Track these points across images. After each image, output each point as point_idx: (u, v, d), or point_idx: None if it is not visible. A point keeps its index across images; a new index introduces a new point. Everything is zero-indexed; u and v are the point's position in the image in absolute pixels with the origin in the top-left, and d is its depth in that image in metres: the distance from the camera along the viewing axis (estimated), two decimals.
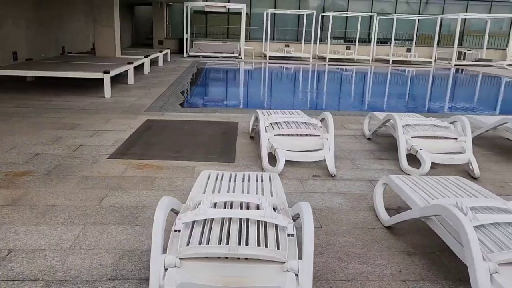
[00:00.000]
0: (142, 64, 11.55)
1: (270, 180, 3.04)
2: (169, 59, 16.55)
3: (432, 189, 2.94)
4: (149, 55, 11.88)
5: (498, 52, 23.41)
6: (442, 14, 23.53)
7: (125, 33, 21.08)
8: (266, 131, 4.33)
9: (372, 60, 20.44)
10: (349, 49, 21.55)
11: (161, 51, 14.27)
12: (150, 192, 3.53)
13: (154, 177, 3.89)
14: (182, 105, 7.37)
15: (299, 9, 23.36)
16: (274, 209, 2.44)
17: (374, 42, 20.43)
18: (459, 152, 4.40)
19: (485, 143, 5.55)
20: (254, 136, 5.34)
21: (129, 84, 9.51)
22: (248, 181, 3.01)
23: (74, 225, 2.91)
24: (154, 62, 14.26)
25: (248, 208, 2.46)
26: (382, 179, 3.33)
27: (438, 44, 21.78)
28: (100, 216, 3.05)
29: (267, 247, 2.05)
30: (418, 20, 22.29)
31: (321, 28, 22.13)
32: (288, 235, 2.18)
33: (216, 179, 3.03)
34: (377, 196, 3.32)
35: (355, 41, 22.13)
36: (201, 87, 10.97)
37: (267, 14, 20.47)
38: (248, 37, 22.17)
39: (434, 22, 23.75)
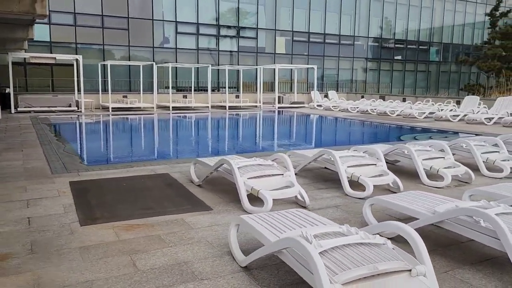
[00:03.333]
0: None
1: (307, 214, 3.40)
2: None
3: None
4: None
5: (305, 96, 27.85)
6: (257, 65, 26.90)
7: None
8: (241, 176, 4.60)
9: (210, 107, 21.74)
10: (186, 98, 22.47)
11: None
12: (175, 249, 3.42)
13: (157, 234, 3.73)
14: (85, 164, 6.78)
15: (129, 60, 23.39)
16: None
17: (209, 90, 21.87)
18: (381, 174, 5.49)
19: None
20: (202, 184, 5.45)
21: None
22: (293, 217, 3.31)
23: None
24: None
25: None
26: (369, 201, 4.04)
27: (259, 90, 24.63)
28: (156, 280, 2.88)
29: (390, 261, 2.48)
30: (242, 70, 24.92)
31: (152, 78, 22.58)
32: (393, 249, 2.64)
33: (264, 221, 3.23)
34: (368, 214, 4.01)
35: (190, 90, 23.30)
36: (84, 143, 10.30)
37: (102, 65, 19.84)
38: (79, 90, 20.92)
39: (253, 71, 26.95)
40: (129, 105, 19.32)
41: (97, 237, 3.63)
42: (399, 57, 36.33)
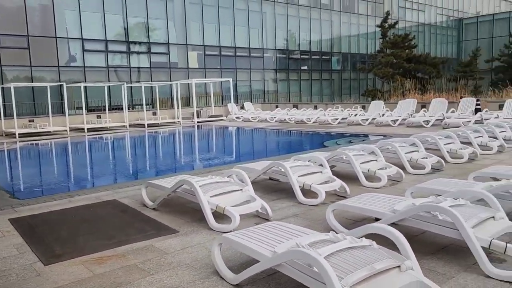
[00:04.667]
0: None
1: (285, 226, 3.56)
2: None
3: None
4: None
5: (222, 108, 28.13)
6: (170, 80, 26.60)
7: None
8: (204, 194, 4.62)
9: (127, 126, 20.96)
10: (100, 118, 21.42)
11: None
12: (158, 276, 3.36)
13: (133, 264, 3.62)
14: (17, 198, 6.23)
15: (32, 82, 21.70)
16: None
17: (126, 108, 21.12)
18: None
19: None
20: (157, 207, 5.33)
21: None
22: (274, 230, 3.44)
23: None
24: None
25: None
26: (331, 207, 4.34)
27: (177, 105, 24.32)
28: None
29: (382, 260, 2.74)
30: (157, 86, 24.47)
31: (61, 100, 21.23)
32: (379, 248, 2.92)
33: (249, 237, 3.32)
34: (332, 220, 4.30)
35: (103, 109, 22.28)
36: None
37: (1, 88, 18.13)
38: None
39: (167, 87, 26.59)
40: (38, 130, 17.89)
41: (70, 275, 3.42)
42: (305, 67, 38.41)
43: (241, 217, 4.69)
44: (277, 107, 26.76)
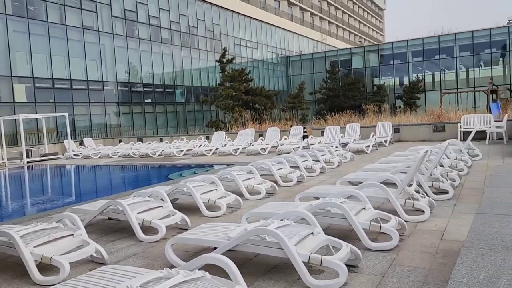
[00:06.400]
0: None
1: (119, 269, 3.41)
2: None
3: None
4: None
5: (57, 146, 25.69)
6: None
7: None
8: (26, 245, 4.12)
9: None
10: None
11: None
12: None
13: None
14: None
15: None
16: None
17: None
18: None
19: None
20: None
21: None
22: (106, 275, 3.26)
23: None
24: None
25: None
26: (170, 241, 4.32)
27: (0, 145, 21.35)
28: None
29: None
30: None
31: None
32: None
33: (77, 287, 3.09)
34: (171, 255, 4.28)
35: None
36: None
37: None
38: None
39: None
40: None
41: None
42: (149, 100, 37.99)
43: (73, 265, 4.33)
44: (120, 141, 25.70)
